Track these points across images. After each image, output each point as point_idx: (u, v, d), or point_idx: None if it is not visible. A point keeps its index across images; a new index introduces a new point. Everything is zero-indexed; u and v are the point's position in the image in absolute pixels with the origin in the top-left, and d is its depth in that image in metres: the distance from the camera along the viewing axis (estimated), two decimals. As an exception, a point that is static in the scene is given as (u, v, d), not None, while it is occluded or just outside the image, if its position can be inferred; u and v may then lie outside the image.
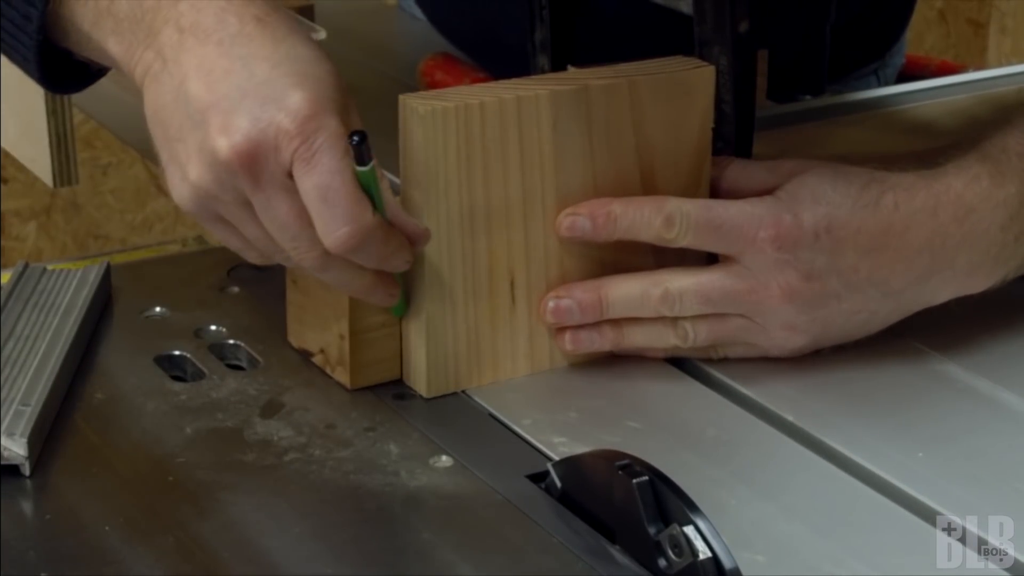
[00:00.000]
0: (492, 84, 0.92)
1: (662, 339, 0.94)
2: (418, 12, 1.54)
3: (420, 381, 0.92)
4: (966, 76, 1.34)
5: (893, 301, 0.93)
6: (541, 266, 0.93)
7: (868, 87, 1.39)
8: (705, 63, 0.95)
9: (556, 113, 0.91)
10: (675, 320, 0.93)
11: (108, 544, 0.78)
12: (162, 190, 2.71)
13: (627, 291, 0.93)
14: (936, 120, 1.13)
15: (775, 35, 1.10)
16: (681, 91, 0.94)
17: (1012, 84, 1.30)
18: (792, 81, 1.25)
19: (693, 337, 0.94)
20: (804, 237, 0.91)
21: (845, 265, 0.91)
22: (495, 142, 0.90)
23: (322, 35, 1.26)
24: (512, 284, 0.93)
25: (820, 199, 0.91)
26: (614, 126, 0.93)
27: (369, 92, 1.37)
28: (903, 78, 1.44)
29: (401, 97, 0.89)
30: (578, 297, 0.93)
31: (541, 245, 0.93)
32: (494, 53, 1.39)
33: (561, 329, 0.94)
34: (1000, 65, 2.13)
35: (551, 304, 0.93)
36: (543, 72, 1.14)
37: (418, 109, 0.87)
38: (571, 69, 1.13)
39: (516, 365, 0.94)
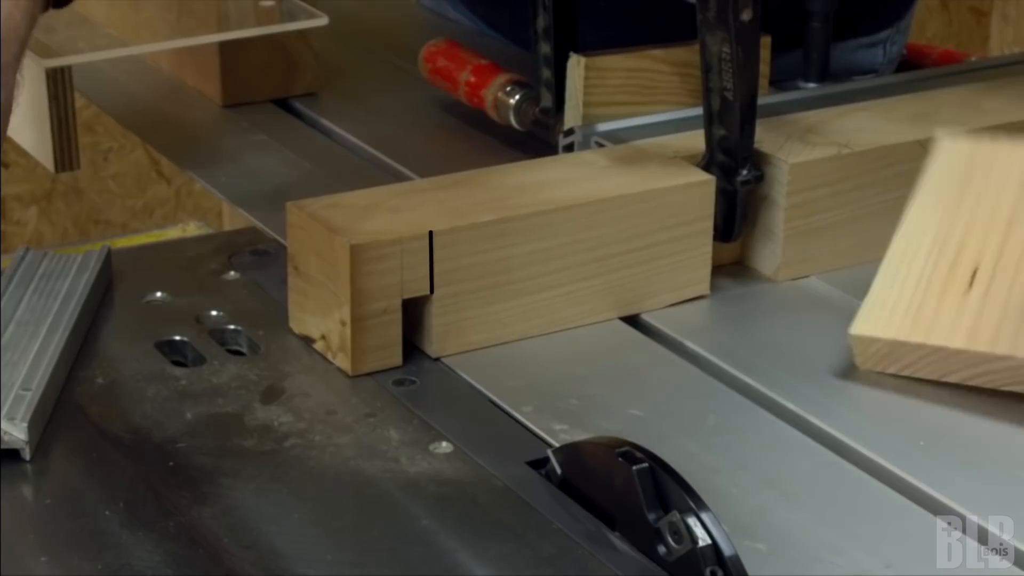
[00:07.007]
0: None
1: None
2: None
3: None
4: (967, 64, 1.33)
5: None
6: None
7: (874, 59, 1.39)
8: None
9: None
10: None
11: (108, 529, 0.78)
12: (163, 176, 2.71)
13: None
14: (939, 108, 1.12)
15: (776, 22, 1.10)
16: None
17: (1013, 72, 1.29)
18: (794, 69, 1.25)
19: None
20: None
21: None
22: None
23: (324, 21, 1.26)
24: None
25: None
26: None
27: (370, 78, 1.38)
28: (906, 66, 1.44)
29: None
30: None
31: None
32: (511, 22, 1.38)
33: None
34: (1002, 53, 2.12)
35: None
36: (545, 58, 1.13)
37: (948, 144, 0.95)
38: (574, 56, 1.13)
39: None
